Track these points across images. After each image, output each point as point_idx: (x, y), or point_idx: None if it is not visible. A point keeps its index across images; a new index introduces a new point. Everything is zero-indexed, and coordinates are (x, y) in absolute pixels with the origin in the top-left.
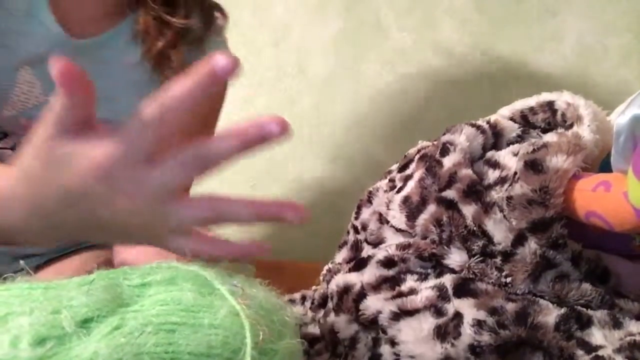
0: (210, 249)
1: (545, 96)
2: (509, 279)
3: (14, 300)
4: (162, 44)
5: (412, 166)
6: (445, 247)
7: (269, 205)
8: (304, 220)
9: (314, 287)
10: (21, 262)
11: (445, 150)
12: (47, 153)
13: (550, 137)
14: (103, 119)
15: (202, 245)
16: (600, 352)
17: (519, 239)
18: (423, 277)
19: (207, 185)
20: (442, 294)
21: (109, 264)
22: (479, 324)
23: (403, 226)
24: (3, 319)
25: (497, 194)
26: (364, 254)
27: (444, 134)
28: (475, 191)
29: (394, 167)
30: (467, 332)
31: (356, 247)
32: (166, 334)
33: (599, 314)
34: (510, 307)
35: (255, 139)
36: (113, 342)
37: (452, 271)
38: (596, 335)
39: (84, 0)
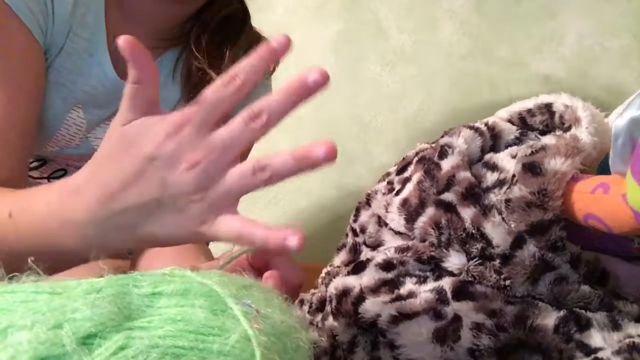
0: (252, 229)
1: (543, 98)
2: (508, 282)
3: (17, 308)
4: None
5: (411, 169)
6: (444, 250)
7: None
8: (334, 155)
9: (312, 291)
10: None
11: (443, 152)
12: (122, 131)
13: (548, 140)
14: None
15: (246, 225)
16: (599, 354)
17: (518, 242)
18: (422, 280)
19: None
20: (441, 297)
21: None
22: (478, 327)
23: (402, 229)
24: (3, 333)
25: (495, 197)
26: (363, 256)
27: (442, 136)
28: (474, 194)
29: (392, 169)
30: (467, 335)
31: (355, 250)
32: (172, 359)
33: (598, 316)
34: (510, 309)
35: (301, 93)
36: None
37: (451, 274)
38: (595, 338)
39: (136, 33)
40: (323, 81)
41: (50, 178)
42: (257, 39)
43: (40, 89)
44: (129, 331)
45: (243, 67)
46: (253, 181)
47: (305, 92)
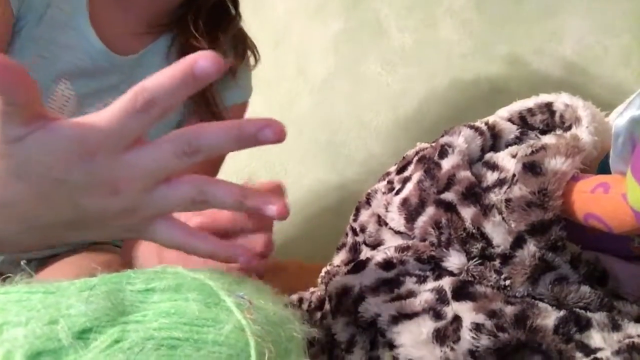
0: (195, 242)
1: (544, 97)
2: (508, 282)
3: (11, 307)
4: None
5: (411, 168)
6: (444, 250)
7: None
8: (281, 136)
9: (311, 289)
10: (22, 262)
11: (443, 152)
12: (11, 149)
13: (548, 139)
14: None
15: (187, 237)
16: (599, 355)
17: (518, 242)
18: (422, 280)
19: None
20: (441, 297)
21: (110, 265)
22: (477, 328)
23: (402, 228)
24: (20, 312)
25: (495, 197)
26: (363, 256)
27: (442, 135)
28: (474, 193)
29: (393, 168)
30: (466, 335)
31: (354, 249)
32: (168, 350)
33: (597, 317)
34: (509, 310)
35: (249, 139)
36: (111, 358)
37: (451, 274)
38: (595, 338)
39: (124, 16)
40: (277, 138)
41: None
42: (240, 31)
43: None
44: (124, 325)
45: (163, 92)
46: (189, 207)
47: (253, 141)
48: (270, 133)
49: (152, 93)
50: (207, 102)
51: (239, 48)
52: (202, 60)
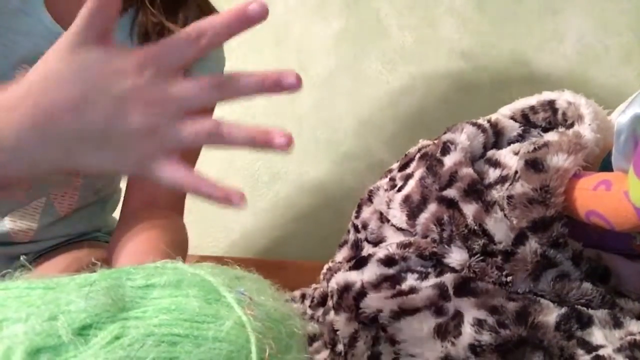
0: (193, 184)
1: (546, 95)
2: (509, 278)
3: (11, 303)
4: None
5: (413, 165)
6: (446, 246)
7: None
8: (289, 146)
9: (313, 285)
10: (22, 257)
11: (446, 149)
12: (74, 55)
13: (551, 136)
14: None
15: (186, 179)
16: (600, 352)
17: (520, 238)
18: (423, 276)
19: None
20: (442, 293)
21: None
22: (479, 323)
23: (404, 225)
24: (19, 308)
25: (497, 193)
26: (365, 252)
27: (445, 132)
28: (476, 190)
29: (395, 166)
30: (468, 331)
31: (357, 246)
32: (168, 347)
33: (599, 314)
34: (511, 306)
35: (273, 87)
36: (112, 354)
37: (453, 270)
38: (596, 335)
39: None
40: (261, 15)
41: None
42: (206, 4)
43: None
44: (124, 321)
45: (212, 27)
46: (207, 141)
47: (276, 88)
48: (293, 79)
49: (203, 25)
50: None
51: (202, 17)
52: (254, 4)
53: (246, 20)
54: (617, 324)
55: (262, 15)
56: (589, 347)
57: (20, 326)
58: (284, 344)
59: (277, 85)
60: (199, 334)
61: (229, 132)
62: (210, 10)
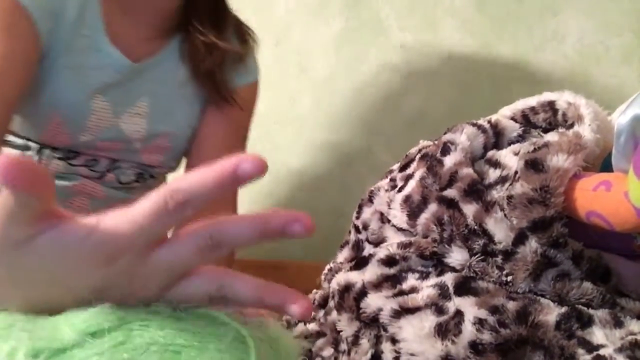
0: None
1: (547, 96)
2: (509, 278)
3: (17, 316)
4: (210, 64)
5: (413, 165)
6: (446, 246)
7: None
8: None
9: (314, 291)
10: None
11: (446, 149)
12: (15, 256)
13: (551, 137)
14: (166, 133)
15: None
16: (601, 352)
17: (520, 238)
18: (424, 276)
19: None
20: (443, 293)
21: None
22: (480, 323)
23: (404, 225)
24: (7, 329)
25: (497, 193)
26: (366, 253)
27: (445, 133)
28: (476, 190)
29: (395, 166)
30: (468, 330)
31: (357, 246)
32: (172, 355)
33: (600, 313)
34: (511, 305)
35: (275, 233)
36: (116, 356)
37: (453, 270)
38: (597, 335)
39: (136, 26)
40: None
41: (85, 166)
42: (235, 17)
43: (27, 73)
44: (129, 330)
45: (198, 193)
46: (206, 303)
47: (282, 235)
48: (299, 227)
49: (185, 195)
50: (218, 89)
51: (239, 33)
52: (246, 163)
53: (236, 181)
54: (618, 324)
55: (257, 174)
56: (590, 347)
57: (26, 333)
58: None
59: (280, 231)
60: (201, 346)
61: (232, 290)
62: (245, 29)
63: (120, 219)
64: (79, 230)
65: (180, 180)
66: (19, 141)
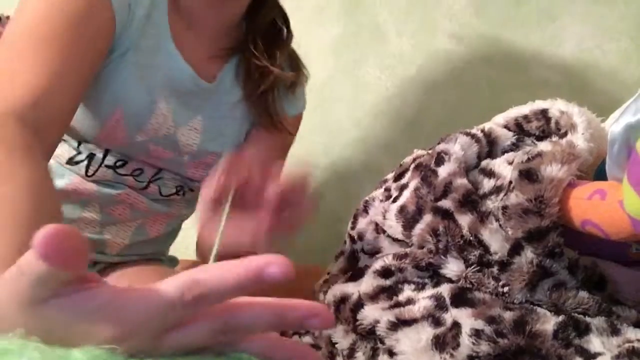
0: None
1: (539, 104)
2: (506, 289)
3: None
4: (263, 88)
5: (408, 175)
6: (442, 257)
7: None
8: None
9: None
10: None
11: (440, 159)
12: (44, 314)
13: (544, 146)
14: (214, 152)
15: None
16: (599, 359)
17: (515, 249)
18: (420, 287)
19: None
20: (439, 304)
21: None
22: (477, 334)
23: (399, 236)
24: (21, 346)
25: (492, 204)
26: (361, 264)
27: (439, 143)
28: (471, 201)
29: (390, 176)
30: (466, 342)
31: (353, 257)
32: None
33: (596, 322)
34: (508, 316)
35: (292, 325)
36: None
37: (450, 281)
38: (594, 343)
39: (199, 39)
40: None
41: (131, 175)
42: (292, 48)
43: (96, 61)
44: None
45: (218, 290)
46: (216, 343)
47: (298, 327)
48: (317, 322)
49: (204, 290)
50: (269, 115)
51: (293, 63)
52: (274, 266)
53: (259, 282)
54: (615, 332)
55: (283, 279)
56: (587, 355)
57: (38, 354)
58: None
59: (298, 325)
60: None
61: (242, 323)
62: (295, 53)
63: (136, 299)
64: (94, 300)
65: (203, 271)
66: (73, 142)
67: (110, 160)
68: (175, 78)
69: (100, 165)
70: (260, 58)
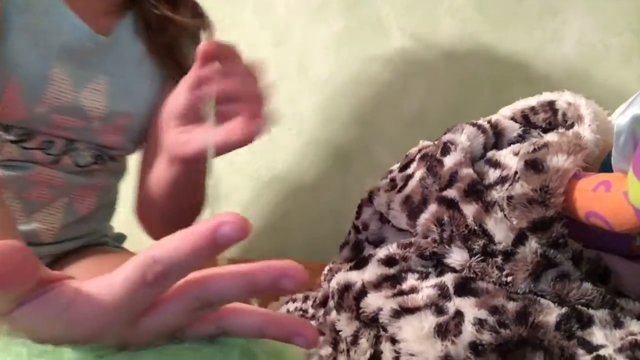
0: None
1: (546, 96)
2: (509, 278)
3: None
4: (166, 39)
5: (413, 166)
6: (446, 246)
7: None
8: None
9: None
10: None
11: (446, 149)
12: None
13: (551, 137)
14: (125, 113)
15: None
16: (601, 352)
17: (520, 239)
18: (424, 276)
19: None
20: (443, 293)
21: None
22: (480, 323)
23: (404, 225)
24: (7, 344)
25: (497, 194)
26: (366, 253)
27: (445, 133)
28: (476, 191)
29: (395, 166)
30: (468, 330)
31: (357, 246)
32: None
33: (599, 314)
34: (511, 306)
35: (265, 288)
36: None
37: (453, 270)
38: (597, 335)
39: None
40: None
41: (40, 149)
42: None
43: None
44: (133, 356)
45: (178, 263)
46: (193, 317)
47: (272, 289)
48: (289, 282)
49: (164, 265)
50: (179, 67)
51: (195, 10)
52: (227, 226)
53: (215, 247)
54: (618, 324)
55: (238, 238)
56: (590, 347)
57: (25, 349)
58: None
59: (269, 287)
60: None
61: (216, 293)
62: (197, 3)
63: (100, 291)
64: (57, 303)
65: (157, 247)
66: None
67: (13, 134)
68: (70, 38)
69: (3, 142)
70: (159, 7)
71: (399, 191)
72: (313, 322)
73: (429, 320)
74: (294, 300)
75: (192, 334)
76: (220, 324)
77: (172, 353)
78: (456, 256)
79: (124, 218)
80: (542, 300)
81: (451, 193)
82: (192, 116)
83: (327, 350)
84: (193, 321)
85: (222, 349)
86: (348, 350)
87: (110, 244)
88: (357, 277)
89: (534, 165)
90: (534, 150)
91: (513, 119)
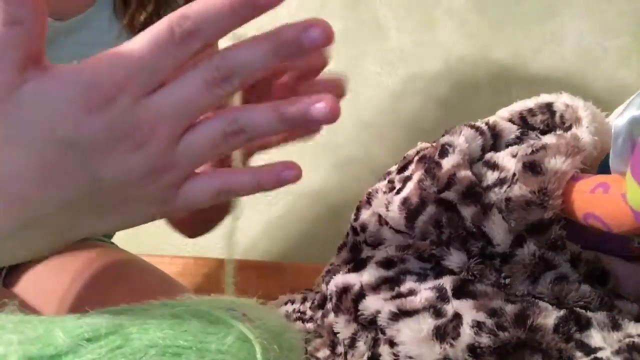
0: (237, 178)
1: (544, 98)
2: (508, 281)
3: (3, 317)
4: (144, 16)
5: (411, 167)
6: (445, 248)
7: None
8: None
9: (315, 289)
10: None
11: (444, 151)
12: (13, 102)
13: (549, 139)
14: None
15: (227, 177)
16: (599, 354)
17: (518, 241)
18: (422, 278)
19: None
20: (441, 295)
21: (93, 262)
22: (478, 326)
23: (402, 227)
24: None
25: (496, 196)
26: (364, 255)
27: (443, 135)
28: (474, 193)
29: (393, 168)
30: (467, 333)
31: (355, 248)
32: (172, 357)
33: (598, 316)
34: (510, 308)
35: (290, 46)
36: None
37: (452, 272)
38: (595, 337)
39: None
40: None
41: None
42: None
43: None
44: (127, 334)
45: (211, 20)
46: (223, 148)
47: (298, 49)
48: (317, 31)
49: (195, 22)
50: None
51: None
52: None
53: (256, 7)
54: (616, 326)
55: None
56: (588, 349)
57: (15, 336)
58: (284, 356)
59: (298, 44)
60: (202, 347)
61: (248, 117)
62: None
63: (117, 54)
64: (68, 72)
65: (188, 6)
66: None
67: None
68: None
69: None
70: None
71: (397, 193)
72: (311, 325)
73: (427, 322)
74: (292, 302)
75: (206, 135)
76: (233, 117)
77: (169, 335)
78: (454, 258)
79: None
80: (541, 303)
81: (449, 195)
82: None
83: (324, 353)
84: (206, 170)
85: (218, 332)
86: (346, 353)
87: (92, 238)
88: (356, 280)
89: (532, 167)
90: (532, 152)
91: (511, 120)
